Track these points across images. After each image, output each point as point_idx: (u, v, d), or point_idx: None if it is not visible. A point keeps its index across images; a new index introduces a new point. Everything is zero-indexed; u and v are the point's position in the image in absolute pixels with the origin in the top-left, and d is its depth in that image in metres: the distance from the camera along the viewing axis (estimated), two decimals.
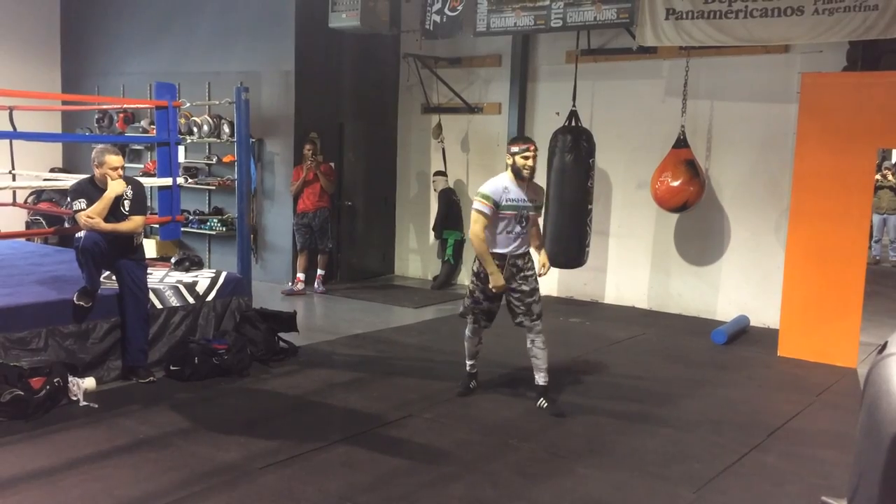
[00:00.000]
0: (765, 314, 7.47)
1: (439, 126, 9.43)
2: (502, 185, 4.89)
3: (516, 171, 4.90)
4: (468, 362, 5.29)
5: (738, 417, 5.01)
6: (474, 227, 4.85)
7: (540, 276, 5.13)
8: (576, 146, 7.59)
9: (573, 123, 7.71)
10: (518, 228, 4.91)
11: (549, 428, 4.68)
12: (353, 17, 8.00)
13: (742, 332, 7.26)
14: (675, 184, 7.37)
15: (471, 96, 9.29)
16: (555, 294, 8.93)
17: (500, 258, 4.89)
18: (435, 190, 9.52)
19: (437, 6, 8.03)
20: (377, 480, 3.86)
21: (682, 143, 7.50)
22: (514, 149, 4.94)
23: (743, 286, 7.75)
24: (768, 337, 6.91)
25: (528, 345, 5.04)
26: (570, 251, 7.70)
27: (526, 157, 4.90)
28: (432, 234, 9.63)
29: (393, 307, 8.23)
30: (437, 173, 9.54)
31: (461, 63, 9.36)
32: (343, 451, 4.17)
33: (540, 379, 5.02)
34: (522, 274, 4.95)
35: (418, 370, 5.84)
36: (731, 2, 6.61)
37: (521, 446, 4.37)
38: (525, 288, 4.94)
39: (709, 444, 4.50)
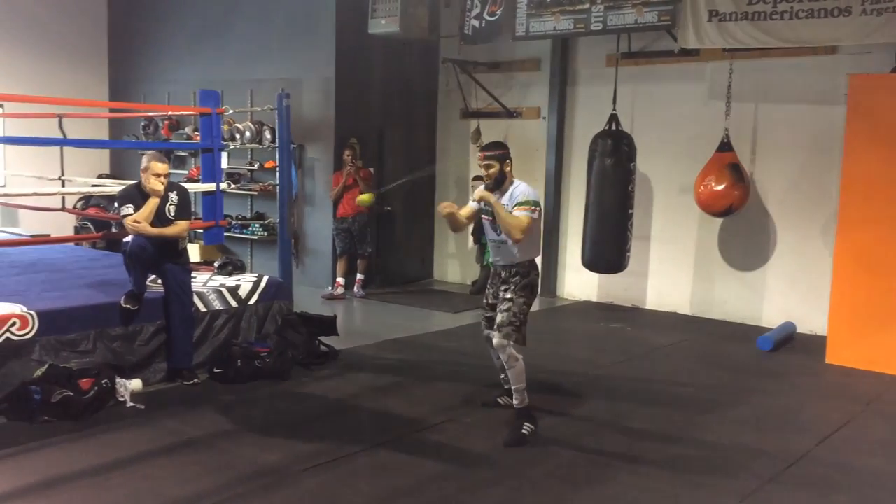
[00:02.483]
0: (812, 321, 7.31)
1: (478, 131, 9.43)
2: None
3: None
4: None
5: (785, 426, 4.91)
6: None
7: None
8: (616, 150, 7.54)
9: (614, 127, 7.65)
10: (492, 235, 4.63)
11: (589, 434, 4.64)
12: (393, 23, 8.05)
13: (788, 339, 7.11)
14: (719, 188, 7.26)
15: (510, 101, 9.28)
16: (594, 299, 8.86)
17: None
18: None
19: (477, 11, 8.04)
20: (417, 484, 3.86)
21: (725, 146, 7.39)
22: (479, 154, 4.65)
23: (789, 292, 7.59)
24: (816, 344, 6.75)
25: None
26: (610, 256, 7.65)
27: (479, 166, 4.61)
28: (471, 238, 9.62)
29: (432, 312, 8.25)
30: (476, 178, 9.50)
31: (500, 68, 9.35)
32: (383, 455, 4.18)
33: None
34: (503, 287, 4.61)
35: (458, 375, 5.83)
36: (776, 3, 6.50)
37: (561, 452, 4.34)
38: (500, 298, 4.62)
39: (754, 453, 4.41)
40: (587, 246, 7.81)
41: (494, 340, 4.53)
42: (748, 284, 7.84)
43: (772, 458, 4.33)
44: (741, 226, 7.77)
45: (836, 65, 7.14)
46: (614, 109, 7.66)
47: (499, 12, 7.86)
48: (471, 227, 9.50)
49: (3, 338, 4.55)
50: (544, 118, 9.04)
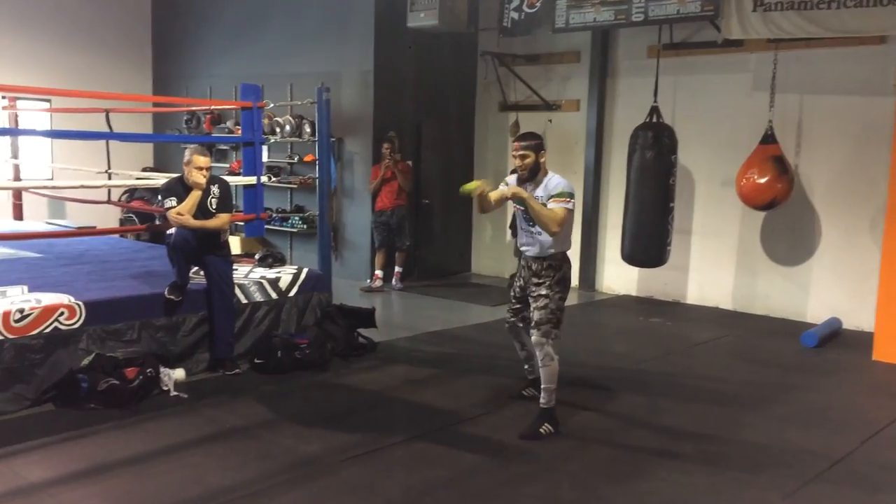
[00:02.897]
0: (858, 316, 7.15)
1: (516, 124, 9.39)
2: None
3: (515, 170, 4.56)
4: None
5: (830, 423, 4.81)
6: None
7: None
8: (657, 143, 7.44)
9: (654, 120, 7.55)
10: (525, 226, 4.59)
11: (628, 430, 4.60)
12: (432, 16, 8.04)
13: (834, 335, 6.96)
14: (763, 181, 7.12)
15: (549, 93, 9.21)
16: (634, 293, 8.78)
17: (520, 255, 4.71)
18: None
19: (516, 3, 7.99)
20: (455, 477, 3.87)
21: (769, 138, 7.25)
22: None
23: (835, 287, 7.43)
24: (862, 340, 6.60)
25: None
26: (650, 250, 7.56)
27: (514, 157, 4.54)
28: (509, 231, 9.59)
29: (470, 305, 8.25)
30: (514, 171, 9.48)
31: (539, 60, 9.29)
32: (422, 447, 4.20)
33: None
34: (535, 280, 4.55)
35: (496, 368, 5.82)
36: None
37: (599, 447, 4.31)
38: (534, 294, 4.54)
39: (798, 451, 4.33)
40: (627, 240, 7.73)
41: (533, 338, 4.48)
42: (792, 279, 7.69)
43: (815, 455, 4.25)
44: (785, 219, 7.62)
45: (884, 55, 6.95)
46: (655, 101, 7.56)
47: (538, 4, 7.80)
48: (508, 220, 9.50)
49: (52, 327, 4.66)
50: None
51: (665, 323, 7.55)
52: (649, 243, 7.56)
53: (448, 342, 6.58)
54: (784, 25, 6.59)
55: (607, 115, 8.85)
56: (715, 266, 8.20)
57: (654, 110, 7.57)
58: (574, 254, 9.06)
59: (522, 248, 4.64)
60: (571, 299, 8.66)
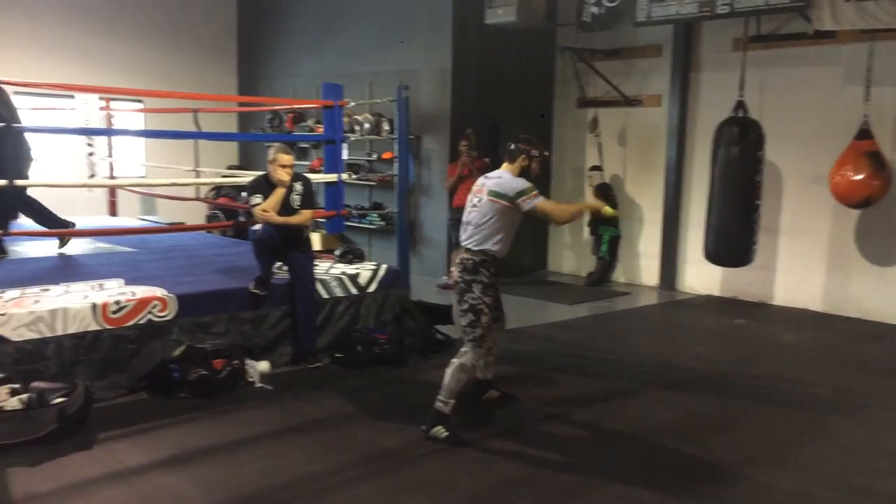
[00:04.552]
0: None
1: (595, 120, 9.28)
2: None
3: (524, 176, 4.30)
4: (452, 401, 4.24)
5: None
6: (550, 206, 4.32)
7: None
8: (743, 138, 7.21)
9: (740, 114, 7.33)
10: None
11: (711, 432, 4.49)
12: (510, 12, 8.01)
13: None
14: (857, 178, 6.83)
15: (629, 89, 9.06)
16: (717, 293, 8.55)
17: (498, 264, 4.32)
18: (591, 185, 9.38)
19: None
20: (533, 475, 3.85)
21: (864, 134, 6.94)
22: (535, 153, 4.33)
23: None
24: None
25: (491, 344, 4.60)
26: (735, 248, 7.35)
27: (540, 164, 4.35)
28: (587, 229, 9.49)
29: (547, 303, 8.19)
30: (593, 168, 9.39)
31: (619, 55, 9.14)
32: (500, 444, 4.20)
33: (489, 374, 4.80)
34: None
35: (574, 367, 5.77)
36: None
37: (682, 449, 4.22)
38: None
39: (893, 459, 4.14)
40: (710, 238, 7.53)
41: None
42: (888, 280, 7.34)
43: None
44: (881, 218, 7.27)
45: None
46: (741, 95, 7.33)
47: None
48: (586, 219, 9.40)
49: (146, 319, 4.87)
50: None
51: (750, 324, 7.33)
52: (734, 242, 7.34)
53: (525, 340, 6.56)
54: (880, 15, 6.29)
55: (690, 110, 8.64)
56: (804, 266, 7.90)
57: (740, 105, 7.34)
58: (654, 252, 9.01)
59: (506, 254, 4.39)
60: (652, 299, 8.57)
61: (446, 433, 4.16)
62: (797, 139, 7.79)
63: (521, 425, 4.51)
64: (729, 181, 7.29)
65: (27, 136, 5.97)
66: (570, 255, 10.03)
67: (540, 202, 4.22)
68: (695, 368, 5.78)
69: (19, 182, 5.45)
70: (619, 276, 9.45)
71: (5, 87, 5.81)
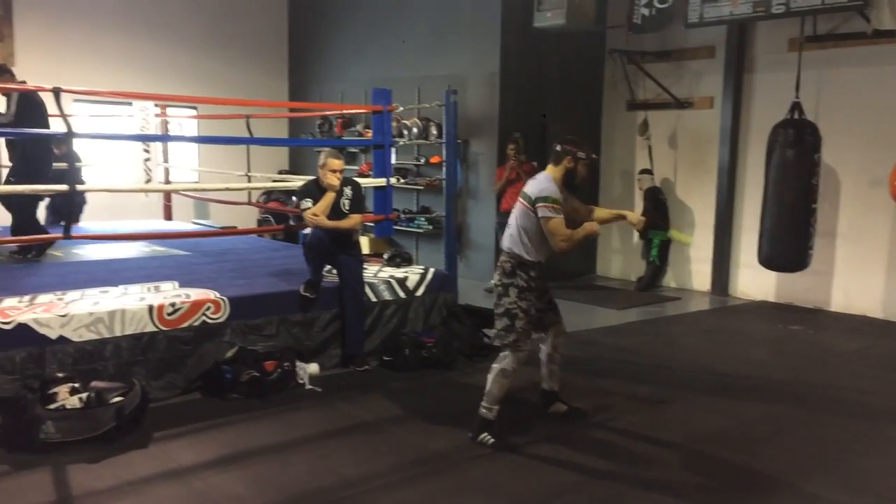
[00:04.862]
0: None
1: (645, 123, 9.17)
2: (557, 188, 4.17)
3: (569, 179, 4.23)
4: (496, 407, 4.24)
5: None
6: (558, 229, 4.11)
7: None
8: (799, 141, 7.06)
9: (796, 116, 7.16)
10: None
11: (765, 441, 4.39)
12: (559, 15, 7.97)
13: None
14: None
15: (680, 91, 8.94)
16: (772, 299, 8.36)
17: (538, 268, 4.26)
18: (640, 188, 9.27)
19: None
20: (582, 481, 3.83)
21: None
22: (582, 155, 4.21)
23: None
24: None
25: (551, 350, 4.56)
26: (790, 253, 7.19)
27: (587, 168, 4.24)
28: (636, 233, 9.38)
29: (595, 307, 8.12)
30: (643, 171, 9.28)
31: (670, 57, 9.02)
32: (548, 449, 4.18)
33: (556, 385, 4.64)
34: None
35: (623, 372, 5.71)
36: None
37: (735, 458, 4.14)
38: (546, 287, 4.41)
39: None
40: (765, 242, 7.38)
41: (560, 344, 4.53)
42: None
43: None
44: None
45: None
46: (797, 97, 7.17)
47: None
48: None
49: (200, 321, 4.98)
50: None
51: (806, 331, 7.15)
52: (789, 246, 7.19)
53: (574, 345, 6.48)
54: None
55: (743, 111, 8.48)
56: (863, 271, 7.68)
57: (796, 106, 7.18)
58: (706, 257, 8.86)
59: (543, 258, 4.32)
60: (703, 304, 8.43)
61: (492, 440, 4.15)
62: (855, 141, 7.59)
63: (569, 431, 4.48)
64: (784, 184, 7.14)
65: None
66: (619, 259, 9.92)
67: (553, 220, 4.06)
68: (747, 375, 5.66)
69: (81, 187, 5.63)
70: (670, 280, 9.32)
71: (42, 94, 6.00)
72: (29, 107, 6.02)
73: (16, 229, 6.34)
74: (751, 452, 4.20)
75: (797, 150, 7.06)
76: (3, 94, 6.22)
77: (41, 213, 8.39)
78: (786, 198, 7.12)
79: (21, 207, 6.36)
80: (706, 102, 8.78)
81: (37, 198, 6.58)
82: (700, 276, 9.02)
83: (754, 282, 8.48)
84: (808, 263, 7.27)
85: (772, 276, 8.11)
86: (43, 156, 6.26)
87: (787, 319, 7.56)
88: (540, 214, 4.10)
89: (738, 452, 4.20)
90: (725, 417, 4.77)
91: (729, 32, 8.35)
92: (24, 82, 6.23)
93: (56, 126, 5.54)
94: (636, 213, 4.37)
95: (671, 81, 8.96)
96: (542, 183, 4.18)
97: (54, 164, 6.47)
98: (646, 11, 7.83)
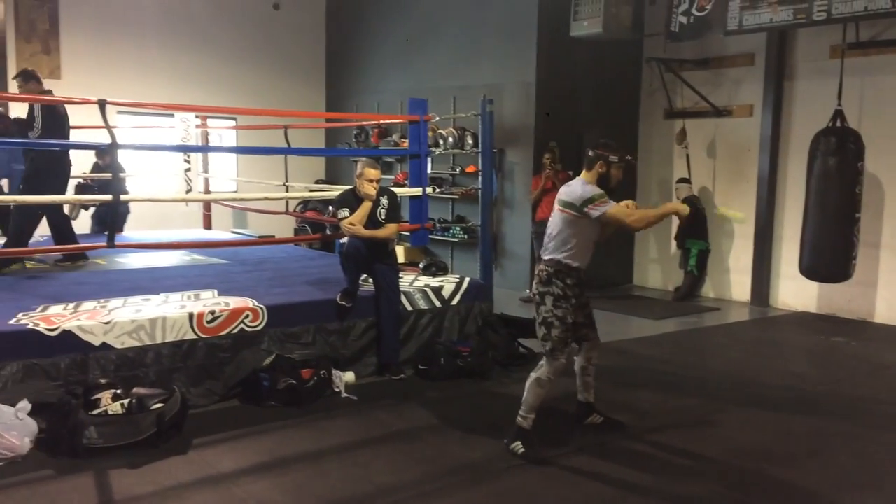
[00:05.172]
0: None
1: (683, 131, 9.09)
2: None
3: (603, 183, 4.16)
4: (532, 416, 4.20)
5: None
6: (622, 212, 4.05)
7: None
8: (841, 149, 6.93)
9: (838, 124, 7.04)
10: (600, 238, 4.30)
11: (804, 455, 4.30)
12: (596, 24, 7.96)
13: None
14: None
15: (718, 99, 8.84)
16: (813, 310, 8.20)
17: (577, 275, 4.21)
18: (678, 198, 9.17)
19: (684, 7, 7.74)
20: (618, 494, 3.79)
21: None
22: (614, 158, 4.16)
23: None
24: None
25: (584, 363, 4.54)
26: (833, 263, 7.06)
27: (621, 171, 4.17)
28: (674, 243, 9.28)
29: (632, 318, 8.04)
30: (681, 180, 9.19)
31: (708, 64, 8.93)
32: (585, 461, 4.15)
33: (591, 397, 4.61)
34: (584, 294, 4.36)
35: (660, 384, 5.64)
36: None
37: (777, 473, 4.06)
38: (585, 300, 4.37)
39: None
40: (806, 252, 7.25)
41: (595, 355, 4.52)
42: None
43: None
44: None
45: None
46: (839, 105, 7.05)
47: (709, 7, 7.50)
48: (673, 231, 9.20)
49: (239, 328, 5.05)
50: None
51: (849, 343, 6.99)
52: (832, 256, 7.05)
53: (610, 355, 6.42)
54: None
55: (784, 119, 8.36)
56: None
57: (838, 114, 7.06)
58: (746, 267, 8.73)
59: (586, 265, 4.27)
60: (743, 315, 8.30)
61: (523, 449, 4.12)
62: None
63: (605, 442, 4.43)
64: (826, 193, 7.02)
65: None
66: (657, 269, 9.82)
67: (610, 209, 4.02)
68: (788, 388, 5.56)
69: (125, 197, 5.74)
70: (708, 291, 9.20)
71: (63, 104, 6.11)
72: (52, 119, 6.05)
73: (11, 237, 6.27)
74: (794, 467, 4.12)
75: (839, 158, 6.94)
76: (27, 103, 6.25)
77: (87, 222, 8.59)
78: (828, 207, 6.99)
79: (21, 216, 6.28)
80: (745, 110, 8.67)
81: (39, 210, 6.38)
82: (739, 286, 8.89)
83: (795, 292, 8.33)
84: (851, 274, 7.12)
85: (813, 286, 7.96)
86: (53, 167, 6.23)
87: (829, 331, 7.40)
88: (595, 216, 4.05)
89: (780, 467, 4.12)
90: (766, 431, 4.69)
91: (769, 40, 8.24)
92: (49, 91, 6.35)
93: (101, 137, 5.66)
94: (679, 205, 4.28)
95: (709, 89, 8.87)
96: (578, 188, 4.15)
97: (99, 174, 6.59)
98: (683, 19, 7.77)
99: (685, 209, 4.26)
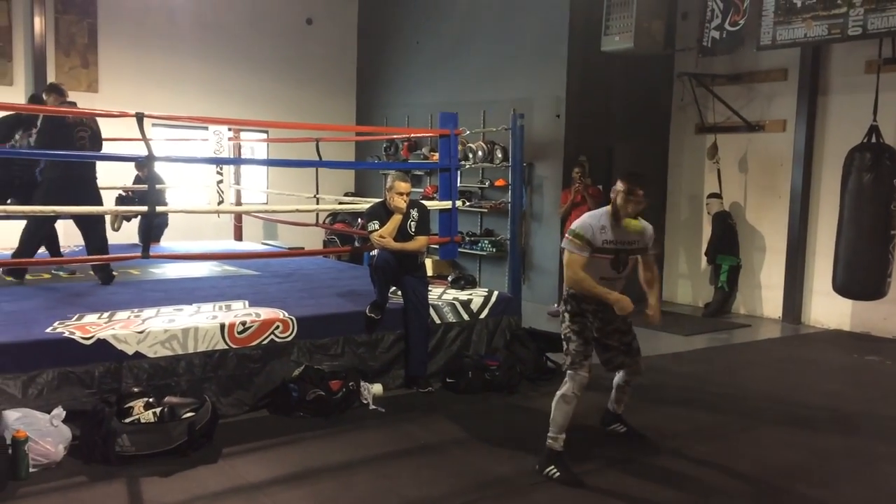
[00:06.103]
0: None
1: (715, 146, 9.02)
2: (599, 223, 4.14)
3: (615, 211, 4.16)
4: (562, 436, 4.14)
5: None
6: (571, 263, 4.11)
7: (650, 320, 4.40)
8: (876, 165, 6.84)
9: (873, 140, 6.95)
10: (613, 273, 4.24)
11: (838, 476, 4.23)
12: (627, 39, 7.94)
13: None
14: None
15: (751, 114, 8.77)
16: (847, 328, 8.07)
17: (574, 302, 4.23)
18: (709, 213, 9.11)
19: (717, 22, 7.71)
20: None
21: None
22: (620, 186, 4.14)
23: None
24: None
25: (622, 383, 4.62)
26: (867, 281, 6.96)
27: (628, 202, 4.12)
28: (704, 258, 9.20)
29: (661, 334, 7.95)
30: (712, 195, 9.12)
31: (741, 79, 8.87)
32: (613, 476, 4.12)
33: (620, 409, 4.72)
34: (625, 324, 4.44)
35: (690, 401, 5.58)
36: None
37: (811, 493, 3.99)
38: (623, 327, 4.42)
39: None
40: (839, 269, 7.15)
41: (633, 378, 4.58)
42: None
43: None
44: None
45: None
46: (875, 120, 6.96)
47: (742, 21, 7.47)
48: (704, 246, 9.12)
49: (269, 339, 5.10)
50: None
51: (883, 361, 6.87)
52: (866, 273, 6.94)
53: None
54: None
55: (817, 135, 8.26)
56: None
57: (874, 130, 6.97)
58: (777, 283, 8.63)
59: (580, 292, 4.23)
60: (774, 332, 8.18)
61: (558, 473, 4.06)
62: None
63: (634, 459, 4.40)
64: (860, 210, 6.93)
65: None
66: (686, 285, 9.73)
67: (568, 253, 4.12)
68: (821, 406, 5.47)
69: (158, 209, 5.84)
70: (739, 307, 9.09)
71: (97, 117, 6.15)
72: (51, 128, 6.02)
73: (18, 248, 6.27)
74: (828, 487, 4.05)
75: (874, 174, 6.84)
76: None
77: (131, 232, 8.60)
78: (862, 224, 6.90)
79: (32, 227, 6.27)
80: (778, 125, 8.58)
81: (45, 220, 6.34)
82: (771, 302, 8.77)
83: (828, 309, 8.20)
84: (886, 292, 7.00)
85: (847, 304, 7.84)
86: (51, 177, 6.11)
87: (863, 349, 7.27)
88: (562, 244, 4.21)
89: (815, 487, 4.05)
90: (799, 450, 4.61)
91: (803, 54, 8.16)
92: (73, 104, 6.43)
93: (138, 149, 5.76)
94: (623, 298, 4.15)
95: (742, 104, 8.80)
96: (586, 216, 4.25)
97: (138, 186, 6.62)
98: (716, 34, 7.74)
99: (626, 308, 4.11)
